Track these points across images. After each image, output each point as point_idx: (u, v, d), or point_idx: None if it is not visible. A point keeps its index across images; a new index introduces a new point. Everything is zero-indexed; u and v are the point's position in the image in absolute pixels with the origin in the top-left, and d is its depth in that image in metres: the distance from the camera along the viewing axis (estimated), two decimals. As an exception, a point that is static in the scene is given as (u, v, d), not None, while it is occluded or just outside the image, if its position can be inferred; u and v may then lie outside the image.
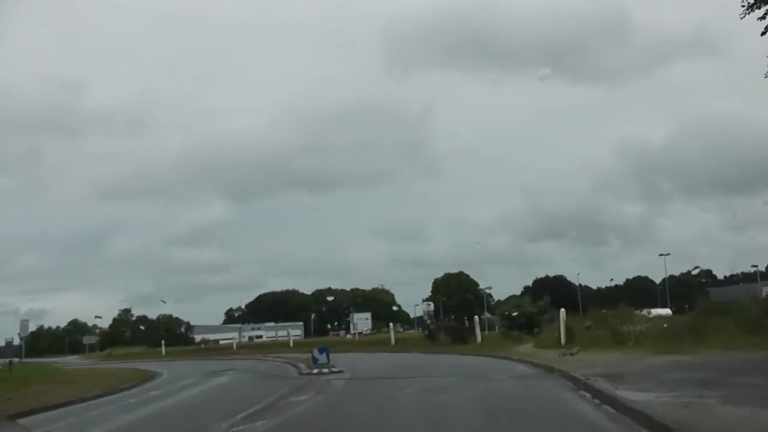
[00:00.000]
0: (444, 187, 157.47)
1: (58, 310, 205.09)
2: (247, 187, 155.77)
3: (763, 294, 40.00)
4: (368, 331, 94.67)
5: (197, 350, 71.51)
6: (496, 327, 53.09)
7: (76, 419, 15.69)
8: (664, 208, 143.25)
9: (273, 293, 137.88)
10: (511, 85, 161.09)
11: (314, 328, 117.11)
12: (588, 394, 13.26)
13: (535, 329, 41.03)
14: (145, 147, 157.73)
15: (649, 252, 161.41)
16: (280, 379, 24.02)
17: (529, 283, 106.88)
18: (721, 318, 23.93)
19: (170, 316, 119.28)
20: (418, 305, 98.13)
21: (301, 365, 27.71)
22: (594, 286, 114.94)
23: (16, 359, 49.83)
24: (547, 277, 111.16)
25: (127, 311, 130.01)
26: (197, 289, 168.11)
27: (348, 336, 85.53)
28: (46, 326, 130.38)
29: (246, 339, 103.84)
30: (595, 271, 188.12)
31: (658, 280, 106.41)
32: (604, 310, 34.73)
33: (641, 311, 41.43)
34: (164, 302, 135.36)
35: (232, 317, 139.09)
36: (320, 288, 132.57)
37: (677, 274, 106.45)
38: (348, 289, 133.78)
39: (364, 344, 54.18)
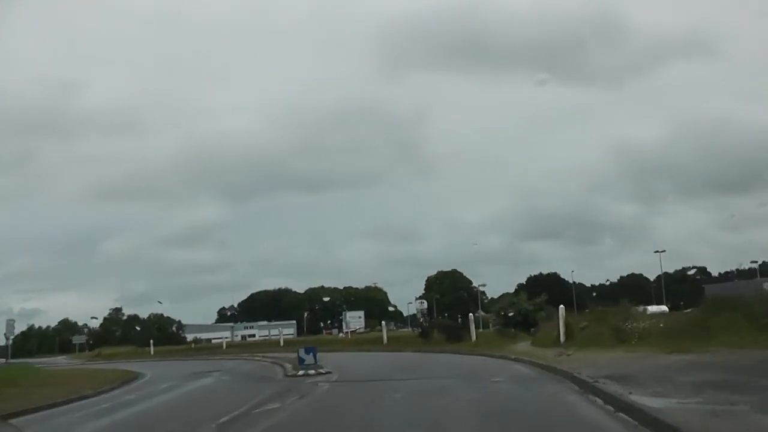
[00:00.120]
0: (438, 187, 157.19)
1: (52, 310, 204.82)
2: (241, 187, 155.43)
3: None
4: (362, 330, 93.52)
5: (187, 350, 70.70)
6: (490, 325, 51.93)
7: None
8: (658, 207, 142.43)
9: (266, 292, 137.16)
10: (506, 86, 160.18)
11: (307, 326, 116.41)
12: (598, 399, 11.92)
13: (532, 329, 39.85)
14: (139, 147, 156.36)
15: (643, 251, 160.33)
16: (263, 381, 22.69)
17: (523, 281, 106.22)
18: (727, 314, 22.76)
19: (161, 315, 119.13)
20: (411, 303, 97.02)
21: (288, 366, 26.38)
22: (588, 284, 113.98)
23: (2, 360, 48.65)
24: (540, 274, 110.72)
25: (118, 310, 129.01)
26: (191, 289, 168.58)
27: (341, 335, 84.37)
28: (37, 326, 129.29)
29: (239, 338, 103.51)
30: (589, 269, 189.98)
31: (652, 278, 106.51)
32: (599, 308, 33.62)
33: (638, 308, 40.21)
34: (161, 303, 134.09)
35: (224, 316, 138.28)
36: (313, 287, 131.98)
37: (671, 271, 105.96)
38: (341, 288, 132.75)
39: (356, 343, 52.92)
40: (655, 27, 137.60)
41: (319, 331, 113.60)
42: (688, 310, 42.10)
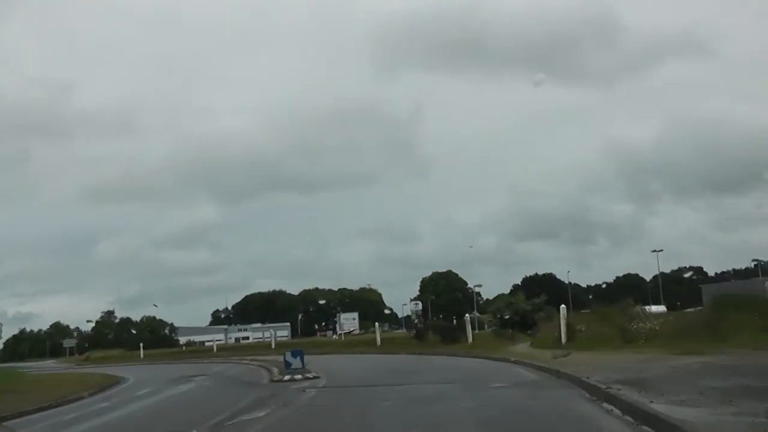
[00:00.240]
0: (433, 187, 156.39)
1: (46, 314, 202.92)
2: (236, 188, 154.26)
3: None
4: (357, 331, 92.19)
5: (178, 353, 69.62)
6: (486, 326, 50.70)
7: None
8: (654, 207, 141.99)
9: (260, 294, 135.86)
10: (503, 86, 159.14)
11: (301, 328, 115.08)
12: (614, 409, 10.50)
13: (528, 331, 38.68)
14: (135, 148, 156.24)
15: (639, 251, 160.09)
16: (247, 386, 21.25)
17: (518, 281, 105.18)
18: (737, 314, 21.55)
19: (154, 318, 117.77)
20: (406, 305, 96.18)
21: (275, 370, 24.98)
22: (584, 285, 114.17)
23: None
24: (536, 275, 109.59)
25: (110, 313, 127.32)
26: (185, 291, 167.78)
27: (334, 336, 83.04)
28: (30, 330, 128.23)
29: (233, 340, 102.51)
30: (585, 270, 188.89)
31: (648, 278, 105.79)
32: (591, 308, 32.36)
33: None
34: (156, 306, 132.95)
35: (218, 318, 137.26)
36: (307, 288, 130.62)
37: (667, 271, 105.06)
38: (335, 289, 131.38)
39: (349, 345, 51.60)
40: (652, 27, 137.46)
41: (313, 333, 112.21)
42: (689, 310, 41.12)
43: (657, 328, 23.47)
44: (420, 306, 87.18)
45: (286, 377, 21.69)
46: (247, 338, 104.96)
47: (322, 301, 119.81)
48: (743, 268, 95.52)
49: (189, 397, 20.10)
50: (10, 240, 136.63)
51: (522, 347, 30.11)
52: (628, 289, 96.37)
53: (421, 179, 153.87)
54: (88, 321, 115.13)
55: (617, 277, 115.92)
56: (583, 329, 26.78)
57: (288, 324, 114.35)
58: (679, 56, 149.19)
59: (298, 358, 22.73)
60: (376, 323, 55.24)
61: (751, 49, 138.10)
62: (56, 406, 19.81)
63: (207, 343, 79.12)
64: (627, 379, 12.87)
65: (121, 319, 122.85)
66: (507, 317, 43.09)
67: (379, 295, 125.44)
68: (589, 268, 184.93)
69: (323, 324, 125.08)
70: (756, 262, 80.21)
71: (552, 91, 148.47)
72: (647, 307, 48.35)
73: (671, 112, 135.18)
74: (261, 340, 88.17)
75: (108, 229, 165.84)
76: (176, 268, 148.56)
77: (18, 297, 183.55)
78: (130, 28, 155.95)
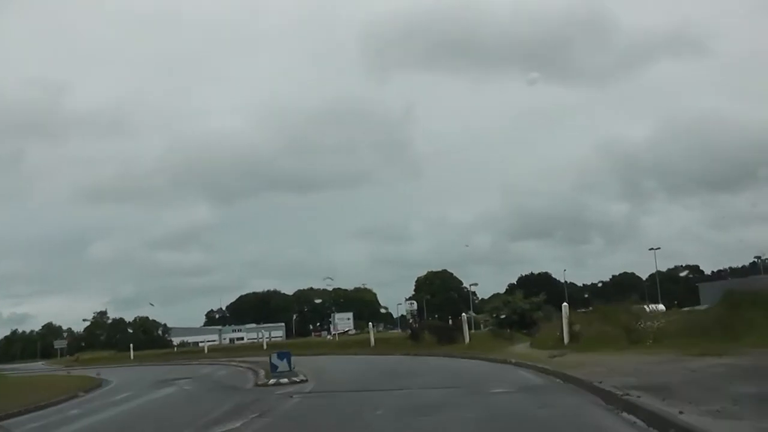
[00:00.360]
0: (427, 187, 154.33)
1: (41, 315, 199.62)
2: (229, 188, 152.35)
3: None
4: (352, 331, 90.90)
5: (168, 354, 68.58)
6: (482, 326, 49.52)
7: None
8: (649, 206, 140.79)
9: (254, 294, 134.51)
10: (496, 85, 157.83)
11: (296, 328, 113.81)
12: (637, 420, 9.09)
13: (523, 330, 37.54)
14: (128, 149, 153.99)
15: (634, 250, 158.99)
16: (229, 391, 19.87)
17: (514, 281, 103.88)
18: (753, 312, 20.29)
19: (147, 318, 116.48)
20: (401, 304, 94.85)
21: (262, 373, 23.57)
22: (579, 284, 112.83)
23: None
24: (531, 274, 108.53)
25: (102, 314, 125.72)
26: (179, 291, 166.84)
27: (329, 337, 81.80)
28: (22, 331, 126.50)
29: (227, 341, 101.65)
30: (580, 269, 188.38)
31: (644, 277, 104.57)
32: (594, 307, 31.10)
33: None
34: (152, 305, 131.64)
35: (213, 319, 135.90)
36: (302, 288, 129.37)
37: (663, 270, 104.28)
38: (330, 289, 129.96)
39: (342, 345, 50.35)
40: (644, 25, 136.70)
41: (308, 333, 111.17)
42: (686, 309, 39.93)
43: (664, 327, 22.22)
44: (415, 305, 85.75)
45: (271, 381, 20.26)
46: (242, 339, 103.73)
47: (318, 300, 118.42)
48: (740, 266, 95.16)
49: (164, 404, 18.65)
50: (4, 240, 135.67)
51: (522, 348, 28.91)
52: (625, 288, 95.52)
53: (416, 179, 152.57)
54: (84, 320, 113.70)
55: (613, 276, 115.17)
56: (578, 328, 25.53)
57: (282, 324, 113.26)
58: (672, 55, 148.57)
59: (285, 360, 21.26)
60: (370, 323, 54.07)
61: (744, 47, 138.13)
62: (19, 414, 18.33)
63: (201, 344, 78.35)
64: (644, 384, 11.52)
65: (114, 320, 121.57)
66: (503, 316, 41.95)
67: (374, 295, 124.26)
68: (584, 267, 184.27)
69: (318, 324, 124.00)
70: (757, 259, 79.26)
71: (546, 90, 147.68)
72: (647, 306, 47.44)
73: (665, 110, 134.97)
74: (255, 340, 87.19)
75: (103, 230, 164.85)
76: (171, 268, 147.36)
77: (12, 298, 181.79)
78: (125, 29, 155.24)
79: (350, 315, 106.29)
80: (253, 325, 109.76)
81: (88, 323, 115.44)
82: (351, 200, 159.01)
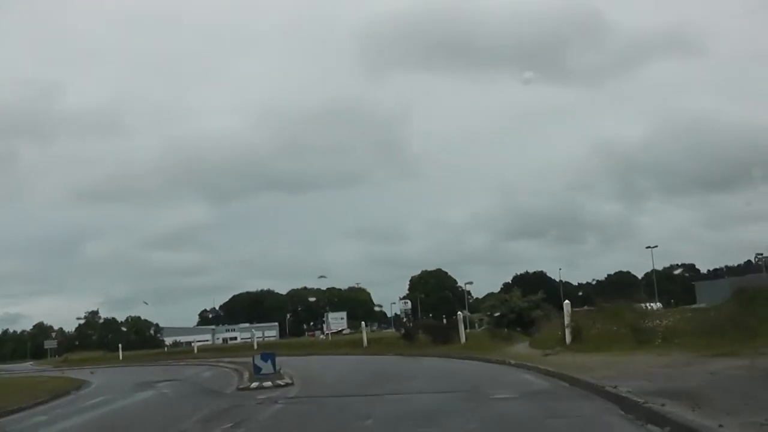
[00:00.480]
0: (422, 187, 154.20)
1: (33, 314, 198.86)
2: (223, 188, 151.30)
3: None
4: (347, 331, 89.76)
5: (158, 354, 67.37)
6: (477, 325, 48.31)
7: None
8: (643, 205, 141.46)
9: (248, 293, 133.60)
10: (491, 85, 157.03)
11: (290, 328, 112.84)
12: (665, 433, 7.81)
13: (518, 328, 36.32)
14: (121, 149, 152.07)
15: (629, 249, 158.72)
16: (208, 396, 18.49)
17: (509, 280, 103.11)
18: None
19: (139, 318, 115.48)
20: (395, 304, 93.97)
21: (246, 375, 22.19)
22: (574, 283, 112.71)
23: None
24: (527, 273, 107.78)
25: (94, 314, 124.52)
26: (173, 291, 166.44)
27: (321, 336, 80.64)
28: (13, 331, 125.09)
29: (220, 340, 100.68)
30: (575, 268, 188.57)
31: (640, 276, 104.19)
32: (596, 304, 29.89)
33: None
34: (146, 303, 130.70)
35: (206, 318, 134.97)
36: (296, 288, 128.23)
37: (659, 269, 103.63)
38: (324, 289, 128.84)
39: (335, 345, 49.03)
40: (639, 25, 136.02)
41: (302, 332, 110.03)
42: (689, 306, 38.80)
43: (673, 326, 21.00)
44: (409, 305, 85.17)
45: (254, 384, 18.89)
46: (235, 338, 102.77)
47: (312, 298, 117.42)
48: (736, 265, 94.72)
49: (134, 411, 17.18)
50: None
51: (521, 348, 27.65)
52: (620, 286, 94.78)
53: (410, 178, 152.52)
54: (78, 318, 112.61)
55: (609, 275, 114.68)
56: (572, 326, 24.30)
57: (276, 324, 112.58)
58: (667, 54, 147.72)
59: (269, 361, 19.88)
60: (363, 322, 52.92)
61: (740, 47, 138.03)
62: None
63: (194, 344, 77.57)
64: (664, 389, 10.25)
65: (106, 320, 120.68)
66: (498, 314, 40.83)
67: (368, 294, 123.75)
68: (578, 267, 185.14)
69: (311, 323, 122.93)
70: (759, 257, 78.56)
71: (540, 89, 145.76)
72: (644, 305, 46.32)
73: (660, 110, 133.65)
74: (248, 340, 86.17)
75: (96, 230, 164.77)
76: (164, 268, 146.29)
77: (5, 298, 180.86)
78: (119, 29, 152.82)
79: (344, 314, 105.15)
80: (247, 325, 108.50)
81: (82, 321, 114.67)
82: (346, 200, 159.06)
